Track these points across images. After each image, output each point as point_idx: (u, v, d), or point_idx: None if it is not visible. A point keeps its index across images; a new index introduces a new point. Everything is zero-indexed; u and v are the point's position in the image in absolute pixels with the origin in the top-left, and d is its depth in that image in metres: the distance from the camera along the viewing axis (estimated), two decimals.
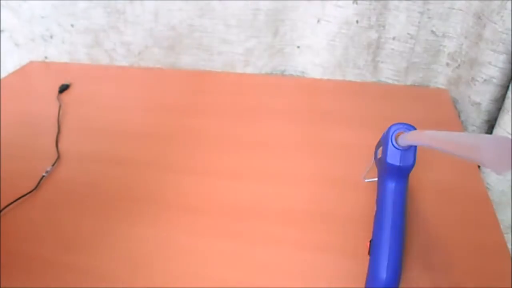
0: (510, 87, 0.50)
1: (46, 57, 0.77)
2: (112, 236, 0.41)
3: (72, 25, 0.72)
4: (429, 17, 0.60)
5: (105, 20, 0.70)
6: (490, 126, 0.58)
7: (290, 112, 0.60)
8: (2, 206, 0.45)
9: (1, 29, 0.74)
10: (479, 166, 0.50)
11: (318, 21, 0.63)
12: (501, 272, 0.37)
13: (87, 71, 0.74)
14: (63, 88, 0.68)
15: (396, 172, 0.37)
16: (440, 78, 0.66)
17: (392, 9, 0.60)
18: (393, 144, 0.35)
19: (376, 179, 0.42)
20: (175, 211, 0.44)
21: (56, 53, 0.76)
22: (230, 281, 0.36)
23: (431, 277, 0.37)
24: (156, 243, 0.40)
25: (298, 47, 0.68)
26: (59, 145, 0.55)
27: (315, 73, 0.69)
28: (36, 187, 0.48)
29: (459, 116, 0.60)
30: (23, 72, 0.74)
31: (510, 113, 0.49)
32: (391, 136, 0.35)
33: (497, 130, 0.52)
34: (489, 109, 0.57)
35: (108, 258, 0.39)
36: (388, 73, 0.67)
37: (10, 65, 0.76)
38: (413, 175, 0.37)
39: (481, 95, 0.56)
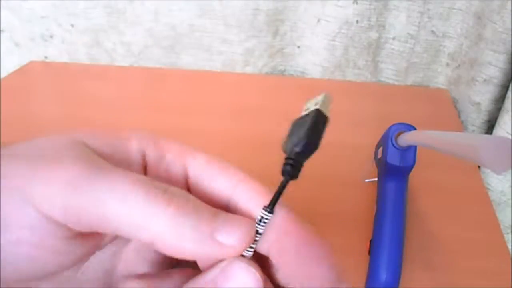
0: (510, 87, 0.50)
1: (46, 57, 0.77)
2: None
3: (72, 25, 0.72)
4: (429, 17, 0.60)
5: (105, 20, 0.70)
6: (490, 126, 0.58)
7: (290, 112, 0.60)
8: None
9: (1, 29, 0.74)
10: (479, 166, 0.50)
11: (318, 21, 0.64)
12: (501, 272, 0.37)
13: (87, 71, 0.74)
14: None
15: (396, 172, 0.37)
16: (440, 78, 0.66)
17: (392, 9, 0.60)
18: (393, 144, 0.35)
19: (376, 179, 0.42)
20: None
21: (56, 53, 0.76)
22: None
23: (431, 277, 0.37)
24: None
25: (298, 47, 0.68)
26: None
27: (315, 73, 0.69)
28: None
29: (459, 116, 0.60)
30: (23, 72, 0.74)
31: (510, 113, 0.49)
32: (391, 136, 0.35)
33: (497, 130, 0.52)
34: (489, 109, 0.57)
35: None
36: (388, 73, 0.67)
37: (10, 65, 0.76)
38: (413, 175, 0.37)
39: (481, 95, 0.56)
